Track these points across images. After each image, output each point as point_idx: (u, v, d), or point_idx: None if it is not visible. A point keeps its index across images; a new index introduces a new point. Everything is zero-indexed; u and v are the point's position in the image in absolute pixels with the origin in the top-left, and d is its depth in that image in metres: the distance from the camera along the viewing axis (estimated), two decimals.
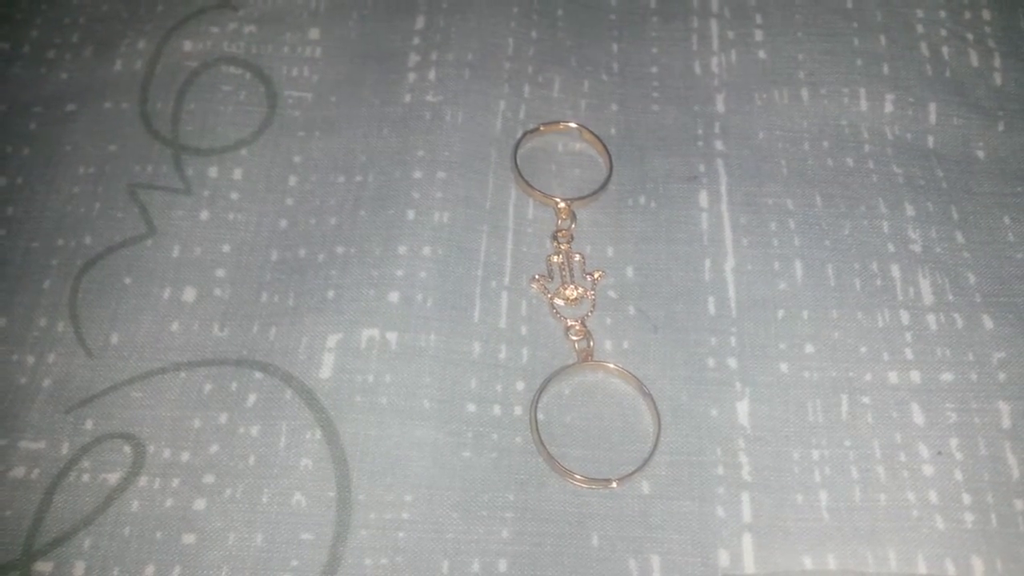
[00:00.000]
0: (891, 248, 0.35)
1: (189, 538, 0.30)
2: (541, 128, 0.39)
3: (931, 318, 0.34)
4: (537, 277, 0.36)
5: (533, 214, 0.37)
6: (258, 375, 0.33)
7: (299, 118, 0.40)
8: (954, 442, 0.32)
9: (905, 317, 0.34)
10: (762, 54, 0.41)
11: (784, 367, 0.33)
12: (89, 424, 0.32)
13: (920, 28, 0.41)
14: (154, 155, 0.38)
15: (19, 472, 0.31)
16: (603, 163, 0.38)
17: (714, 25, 0.42)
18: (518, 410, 0.33)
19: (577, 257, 0.36)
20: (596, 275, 0.35)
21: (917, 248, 0.35)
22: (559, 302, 0.35)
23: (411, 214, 0.36)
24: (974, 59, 0.40)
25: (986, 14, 0.41)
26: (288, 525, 0.30)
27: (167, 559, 0.30)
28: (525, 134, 0.38)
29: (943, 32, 0.41)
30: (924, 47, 0.40)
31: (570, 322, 0.34)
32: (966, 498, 0.31)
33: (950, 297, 0.34)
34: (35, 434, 0.32)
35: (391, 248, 0.35)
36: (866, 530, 0.30)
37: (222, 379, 0.33)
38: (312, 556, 0.30)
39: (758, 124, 0.39)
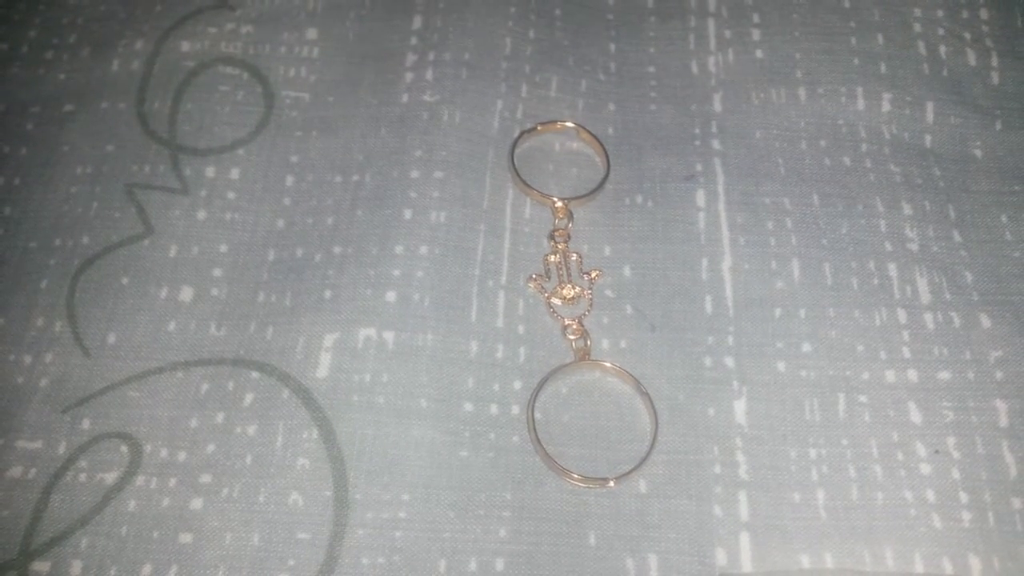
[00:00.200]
0: (888, 247, 0.35)
1: (186, 537, 0.30)
2: (538, 128, 0.39)
3: (928, 317, 0.34)
4: (534, 276, 0.36)
5: (530, 213, 0.37)
6: (255, 375, 0.33)
7: (296, 118, 0.40)
8: (951, 440, 0.32)
9: (902, 316, 0.34)
10: (759, 53, 0.41)
11: (781, 366, 0.33)
12: (86, 424, 0.32)
13: (917, 27, 0.41)
14: (151, 155, 0.38)
15: (16, 472, 0.31)
16: (600, 162, 0.38)
17: (711, 24, 0.42)
18: (515, 409, 0.33)
19: (574, 256, 0.36)
20: (593, 274, 0.35)
21: (914, 247, 0.35)
22: (556, 301, 0.35)
23: (408, 214, 0.36)
24: (971, 58, 0.40)
25: (984, 13, 0.41)
26: (285, 525, 0.30)
27: (164, 558, 0.30)
28: (522, 133, 0.38)
29: (940, 31, 0.41)
30: (921, 46, 0.40)
31: (567, 321, 0.34)
32: (963, 497, 0.31)
33: (947, 296, 0.34)
34: (32, 434, 0.32)
35: (388, 248, 0.35)
36: (863, 529, 0.30)
37: (219, 379, 0.33)
38: (309, 555, 0.30)
39: (755, 123, 0.39)
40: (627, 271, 0.36)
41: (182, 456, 0.32)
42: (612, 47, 0.42)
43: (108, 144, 0.39)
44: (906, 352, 0.33)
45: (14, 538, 0.30)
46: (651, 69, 0.41)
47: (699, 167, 0.38)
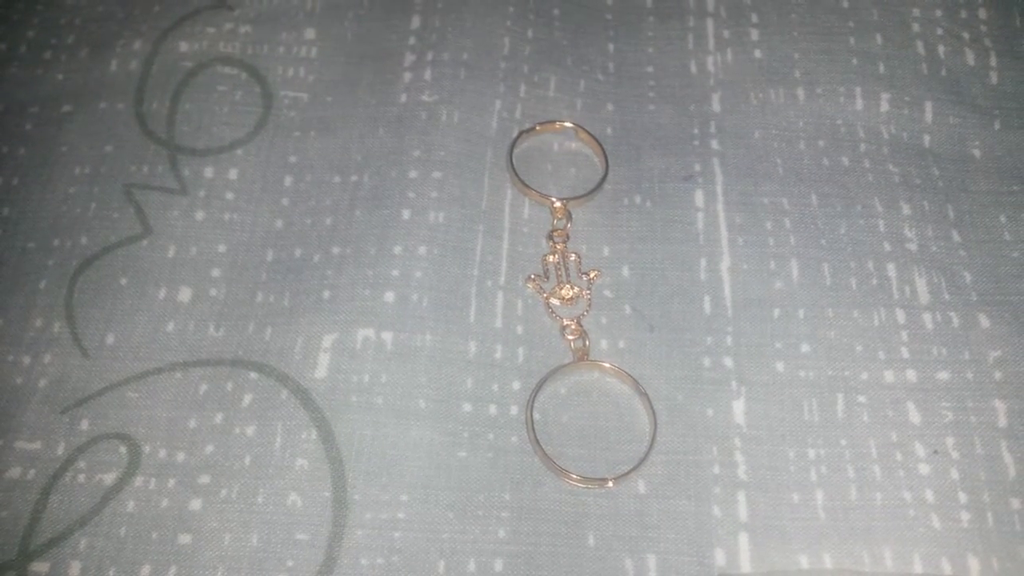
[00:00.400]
0: (887, 247, 0.35)
1: (185, 538, 0.30)
2: (537, 127, 0.39)
3: (927, 317, 0.34)
4: (533, 277, 0.36)
5: (529, 214, 0.37)
6: (254, 375, 0.33)
7: (295, 118, 0.40)
8: (950, 441, 0.32)
9: (901, 316, 0.34)
10: (758, 53, 0.41)
11: (780, 366, 0.33)
12: (85, 424, 0.32)
13: (916, 27, 0.41)
14: (150, 155, 0.38)
15: (15, 472, 0.31)
16: (599, 162, 0.38)
17: (710, 24, 0.42)
18: (514, 410, 0.33)
19: (573, 256, 0.36)
20: (592, 274, 0.35)
21: (913, 247, 0.35)
22: (555, 302, 0.35)
23: (407, 214, 0.36)
24: (970, 58, 0.40)
25: (982, 13, 0.41)
26: (284, 525, 0.30)
27: (163, 559, 0.30)
28: (521, 133, 0.38)
29: (939, 31, 0.41)
30: (920, 46, 0.40)
31: (566, 321, 0.34)
32: (962, 497, 0.31)
33: (946, 296, 0.34)
34: (31, 434, 0.32)
35: (387, 248, 0.35)
36: (862, 529, 0.30)
37: (218, 379, 0.33)
38: (308, 556, 0.30)
39: (754, 123, 0.39)
40: (626, 271, 0.36)
41: (181, 457, 0.32)
42: (611, 47, 0.42)
43: (106, 144, 0.39)
44: (905, 352, 0.33)
45: (13, 539, 0.30)
46: (650, 69, 0.41)
47: (698, 167, 0.38)
